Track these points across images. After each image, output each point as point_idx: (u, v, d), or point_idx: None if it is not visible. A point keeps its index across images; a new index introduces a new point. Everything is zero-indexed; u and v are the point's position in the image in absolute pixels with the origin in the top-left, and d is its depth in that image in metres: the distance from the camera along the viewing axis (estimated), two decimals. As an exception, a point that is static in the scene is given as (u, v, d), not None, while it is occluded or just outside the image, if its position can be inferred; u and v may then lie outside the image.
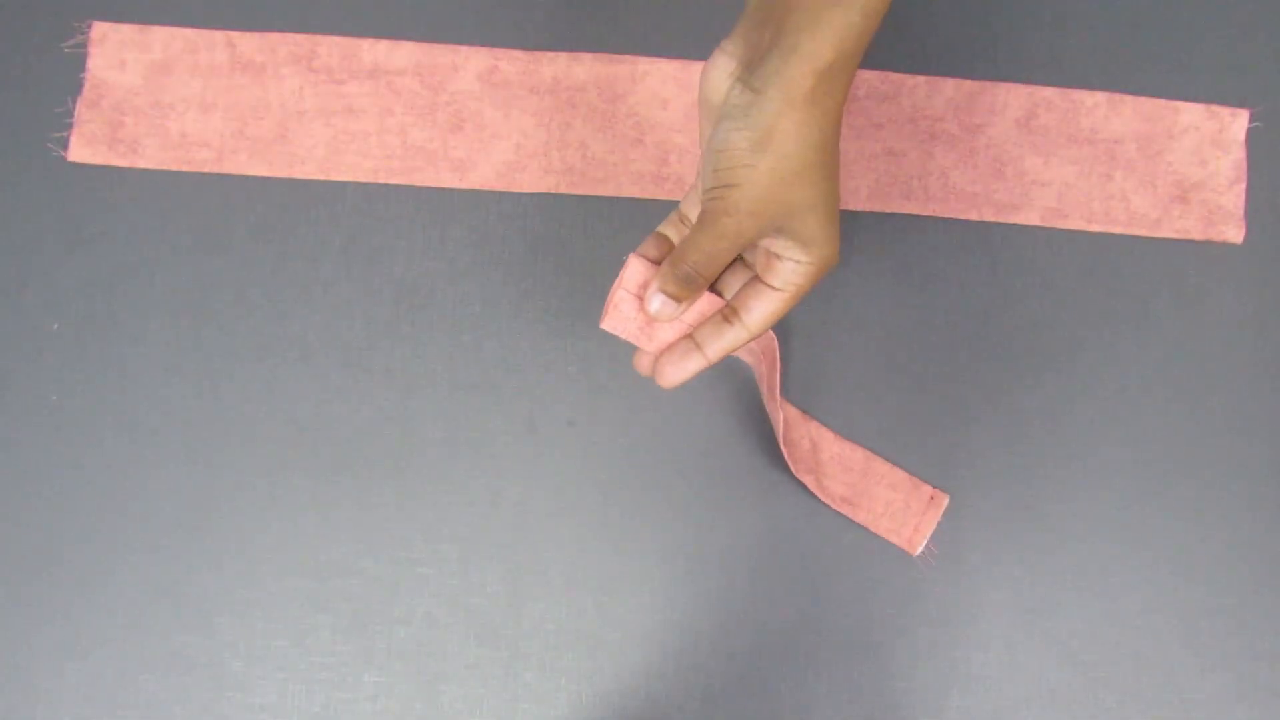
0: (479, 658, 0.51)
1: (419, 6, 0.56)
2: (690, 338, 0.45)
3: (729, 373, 0.53)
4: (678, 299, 0.44)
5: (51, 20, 0.55)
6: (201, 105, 0.54)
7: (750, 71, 0.40)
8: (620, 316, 0.45)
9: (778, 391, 0.49)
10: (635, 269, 0.45)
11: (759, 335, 0.44)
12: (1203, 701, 0.52)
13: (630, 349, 0.46)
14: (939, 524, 0.53)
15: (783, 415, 0.50)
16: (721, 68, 0.41)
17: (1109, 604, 0.53)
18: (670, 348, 0.45)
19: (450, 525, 0.52)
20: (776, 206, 0.40)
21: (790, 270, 0.42)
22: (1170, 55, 0.56)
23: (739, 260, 0.46)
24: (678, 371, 0.45)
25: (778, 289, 0.43)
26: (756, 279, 0.44)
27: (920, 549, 0.52)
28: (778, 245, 0.42)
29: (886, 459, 0.53)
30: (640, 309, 0.45)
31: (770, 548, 0.52)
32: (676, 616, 0.52)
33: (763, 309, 0.43)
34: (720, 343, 0.44)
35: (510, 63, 0.55)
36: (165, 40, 0.55)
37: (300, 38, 0.55)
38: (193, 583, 0.51)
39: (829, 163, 0.41)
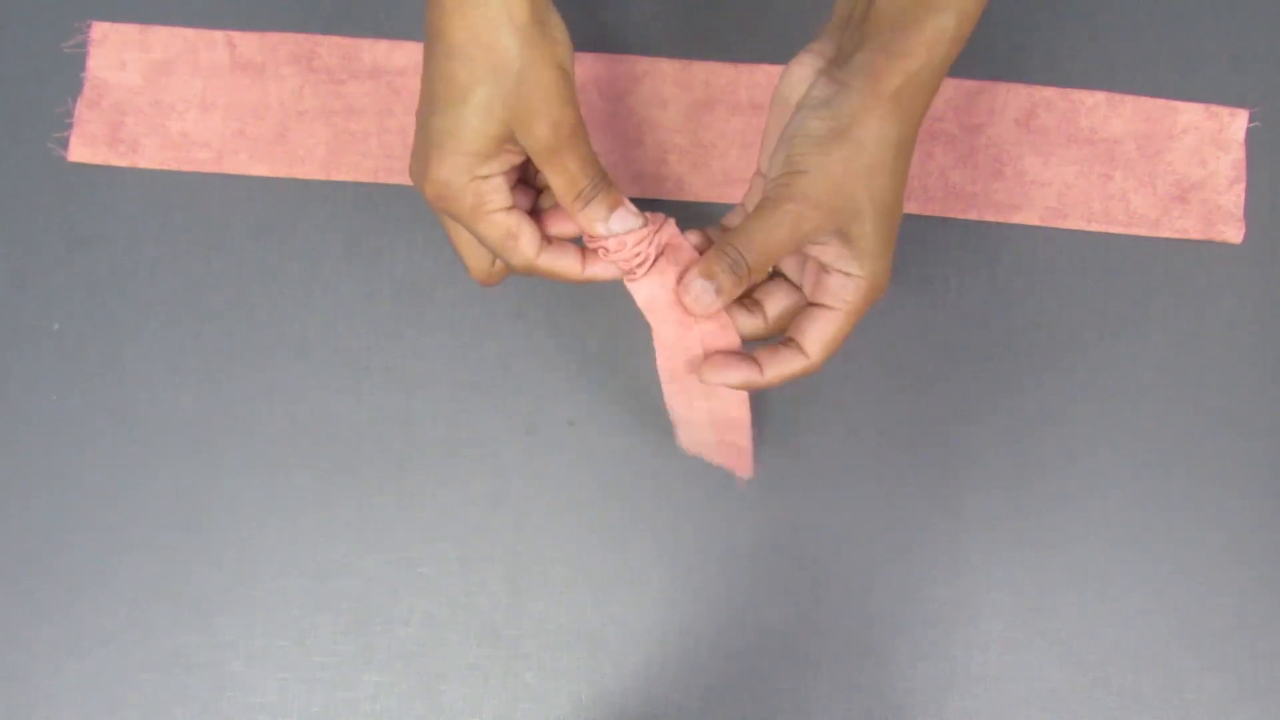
0: (479, 658, 0.51)
1: (419, 6, 0.55)
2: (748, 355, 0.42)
3: (729, 373, 0.53)
4: (719, 290, 0.41)
5: (51, 20, 0.55)
6: (202, 105, 0.54)
7: (836, 67, 0.40)
8: (648, 287, 0.42)
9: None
10: (670, 232, 0.42)
11: (818, 363, 0.42)
12: (1203, 701, 0.52)
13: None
14: (939, 524, 0.53)
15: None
16: (807, 64, 0.41)
17: (1109, 604, 0.53)
18: (725, 354, 0.43)
19: (450, 525, 0.52)
20: (842, 201, 0.39)
21: (841, 285, 0.41)
22: (1170, 55, 0.56)
23: (784, 281, 0.44)
24: (722, 372, 0.42)
25: (832, 308, 0.41)
26: (809, 304, 0.42)
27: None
28: (830, 254, 0.40)
29: (886, 458, 0.53)
30: (673, 295, 0.42)
31: (770, 548, 0.52)
32: (676, 616, 0.52)
33: (820, 332, 0.41)
34: (778, 368, 0.42)
35: (510, 63, 0.55)
36: (165, 40, 0.55)
37: (300, 38, 0.55)
38: (193, 583, 0.51)
39: (900, 170, 0.40)
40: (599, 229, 0.41)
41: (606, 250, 0.42)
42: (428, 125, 0.39)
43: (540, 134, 0.39)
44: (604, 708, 0.51)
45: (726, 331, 0.43)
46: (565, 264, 0.42)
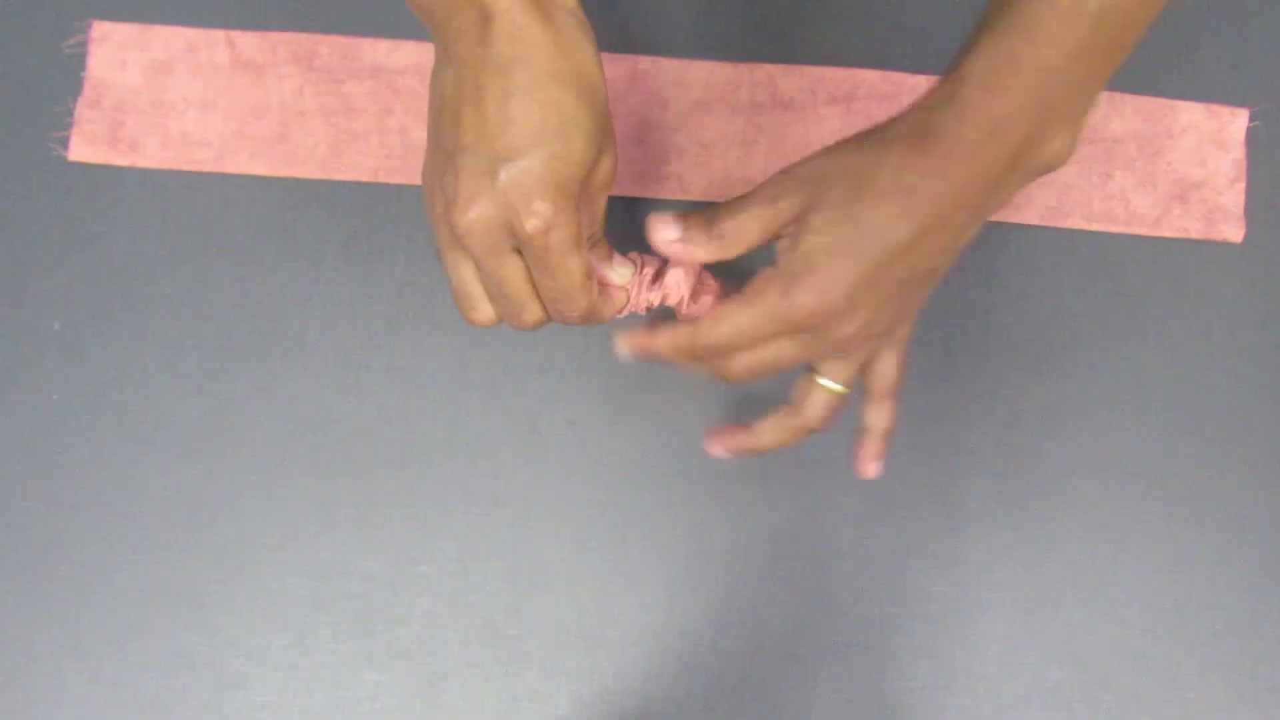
0: (479, 657, 0.51)
1: (419, 6, 0.56)
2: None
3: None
4: (684, 233, 0.40)
5: (51, 20, 0.55)
6: (202, 105, 0.54)
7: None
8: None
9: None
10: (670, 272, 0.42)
11: (704, 337, 0.40)
12: (1203, 701, 0.52)
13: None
14: (939, 524, 0.53)
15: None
16: None
17: (1109, 604, 0.53)
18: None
19: (450, 525, 0.52)
20: (815, 179, 0.38)
21: (761, 274, 0.39)
22: (1170, 55, 0.56)
23: None
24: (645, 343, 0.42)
25: (742, 289, 0.39)
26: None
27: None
28: (782, 244, 0.39)
29: (887, 458, 0.53)
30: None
31: (770, 548, 0.52)
32: (676, 616, 0.52)
33: (710, 303, 0.42)
34: (670, 337, 0.41)
35: (510, 62, 0.55)
36: (166, 40, 0.55)
37: (300, 37, 0.55)
38: (193, 583, 0.51)
39: (898, 199, 0.36)
40: (605, 270, 0.42)
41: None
42: (507, 158, 0.36)
43: (606, 167, 0.38)
44: (604, 708, 0.51)
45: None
46: (609, 308, 0.43)
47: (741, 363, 0.41)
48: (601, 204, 0.40)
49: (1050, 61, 0.35)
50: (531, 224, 0.36)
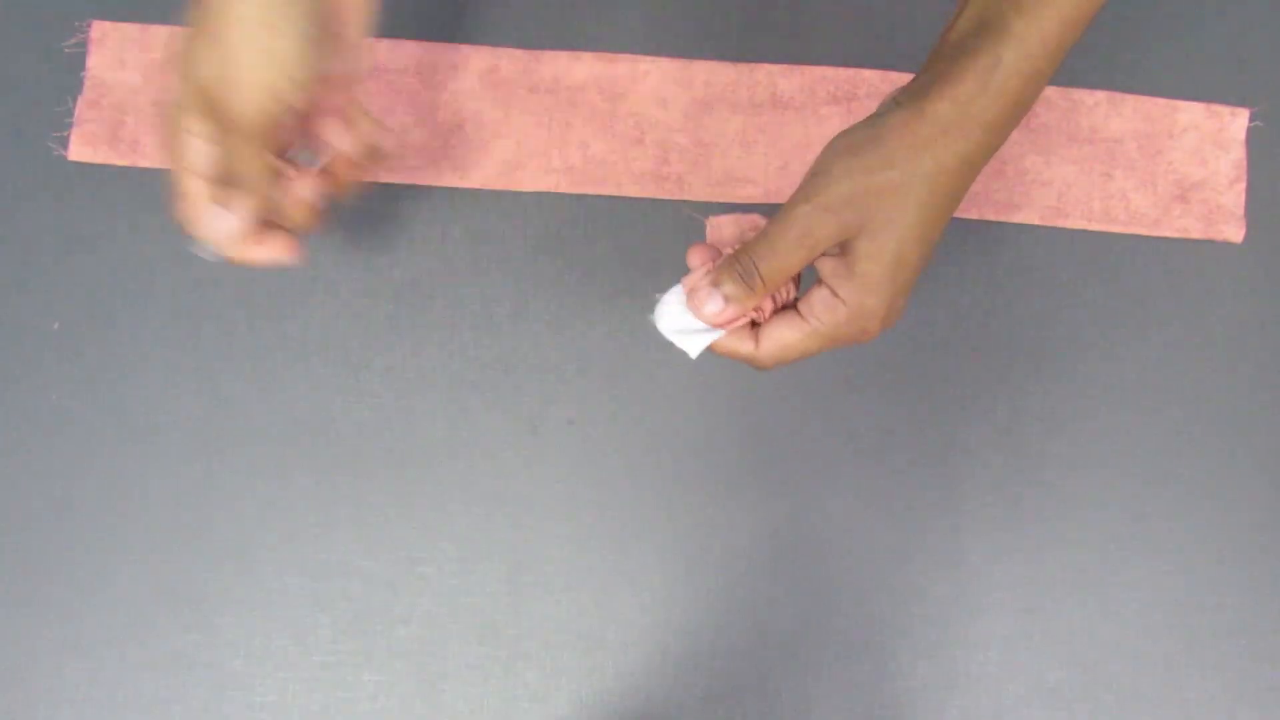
0: (479, 657, 0.51)
1: (419, 6, 0.56)
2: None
3: (730, 373, 0.53)
4: (728, 297, 0.39)
5: (51, 20, 0.55)
6: (201, 105, 0.54)
7: (900, 92, 0.39)
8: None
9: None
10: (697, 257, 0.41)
11: (766, 364, 0.41)
12: (1203, 701, 0.52)
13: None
14: (939, 524, 0.53)
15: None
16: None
17: (1109, 604, 0.53)
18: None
19: (450, 525, 0.52)
20: (855, 211, 0.37)
21: (822, 302, 0.39)
22: (1170, 55, 0.56)
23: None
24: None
25: (805, 320, 0.40)
26: (790, 304, 0.41)
27: None
28: (827, 268, 0.39)
29: (887, 458, 0.53)
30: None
31: (770, 548, 0.52)
32: (676, 616, 0.52)
33: (780, 335, 0.40)
34: (730, 341, 0.41)
35: (510, 62, 0.55)
36: (165, 39, 0.55)
37: (300, 37, 0.55)
38: (193, 583, 0.51)
39: (930, 204, 0.38)
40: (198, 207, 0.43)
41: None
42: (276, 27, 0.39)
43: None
44: (604, 708, 0.51)
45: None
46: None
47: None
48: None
49: (1064, 35, 0.37)
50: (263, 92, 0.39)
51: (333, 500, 0.52)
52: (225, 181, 0.42)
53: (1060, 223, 0.55)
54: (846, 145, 0.38)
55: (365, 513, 0.52)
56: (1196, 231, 0.55)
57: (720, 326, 0.41)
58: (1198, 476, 0.54)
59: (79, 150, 0.54)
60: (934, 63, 0.38)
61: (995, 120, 0.37)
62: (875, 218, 0.37)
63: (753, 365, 0.41)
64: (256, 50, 0.39)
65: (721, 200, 0.54)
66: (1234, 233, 0.55)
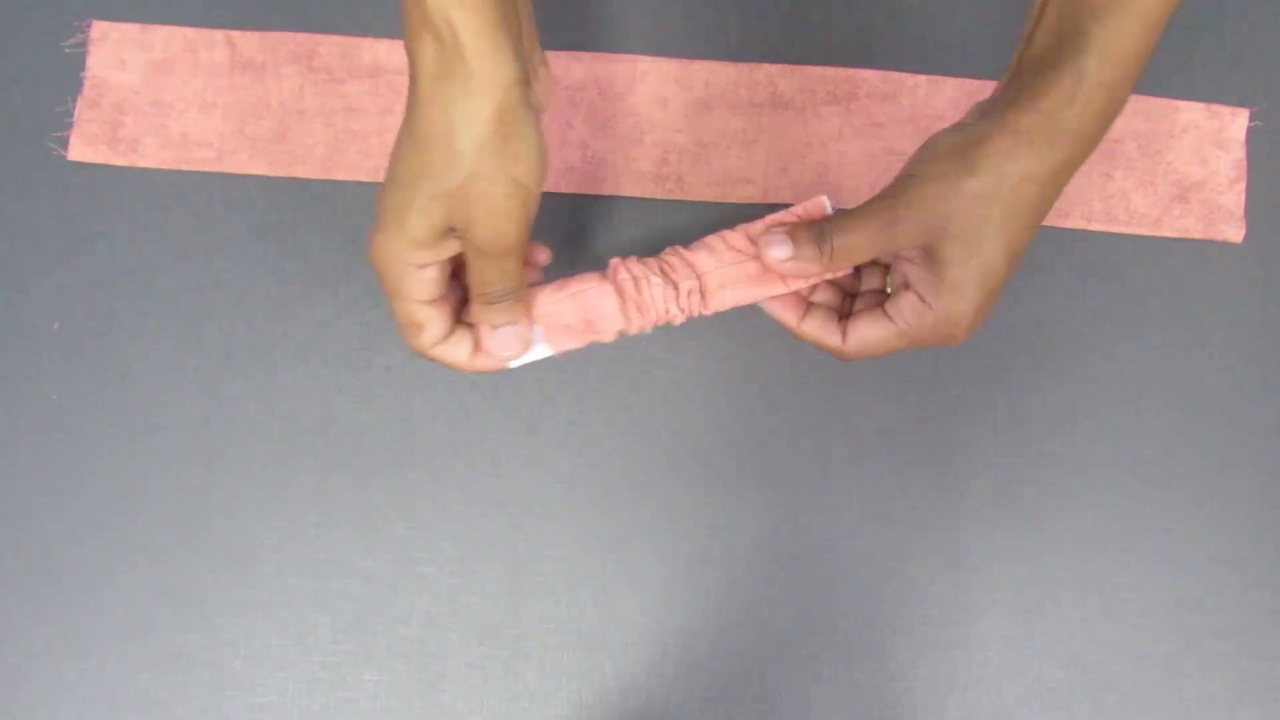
0: (479, 657, 0.51)
1: (419, 6, 0.56)
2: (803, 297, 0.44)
3: (730, 373, 0.53)
4: (795, 253, 0.41)
5: (51, 20, 0.55)
6: (201, 104, 0.54)
7: (987, 103, 0.40)
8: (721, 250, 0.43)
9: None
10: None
11: (852, 356, 0.43)
12: (1203, 701, 0.52)
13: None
14: (939, 524, 0.53)
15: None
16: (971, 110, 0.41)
17: (1109, 604, 0.53)
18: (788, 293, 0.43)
19: (450, 525, 0.52)
20: (939, 216, 0.38)
21: (910, 306, 0.41)
22: (1170, 55, 0.56)
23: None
24: (773, 304, 0.43)
25: (891, 319, 0.41)
26: (883, 303, 0.42)
27: None
28: (915, 273, 0.40)
29: (887, 458, 0.53)
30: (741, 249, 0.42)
31: (770, 548, 0.52)
32: (676, 616, 0.52)
33: (867, 331, 0.42)
34: (815, 329, 0.43)
35: (510, 62, 0.55)
36: (165, 39, 0.55)
37: (300, 37, 0.55)
38: (193, 583, 0.51)
39: (1016, 213, 0.38)
40: (484, 332, 0.42)
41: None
42: (381, 197, 0.40)
43: (475, 239, 0.39)
44: (604, 708, 0.51)
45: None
46: (456, 356, 0.43)
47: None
48: (489, 271, 0.41)
49: (1147, 39, 0.37)
50: (368, 255, 0.41)
51: (333, 500, 0.52)
52: (485, 298, 0.41)
53: (1060, 223, 0.55)
54: (935, 151, 0.39)
55: (365, 513, 0.52)
56: (1196, 231, 0.55)
57: (774, 278, 0.42)
58: (1197, 476, 0.54)
59: (78, 150, 0.54)
60: (1017, 77, 0.39)
61: (1083, 130, 0.38)
62: (962, 225, 0.38)
63: (837, 357, 0.43)
64: (500, 163, 0.38)
65: (721, 200, 0.54)
66: (1234, 233, 0.55)
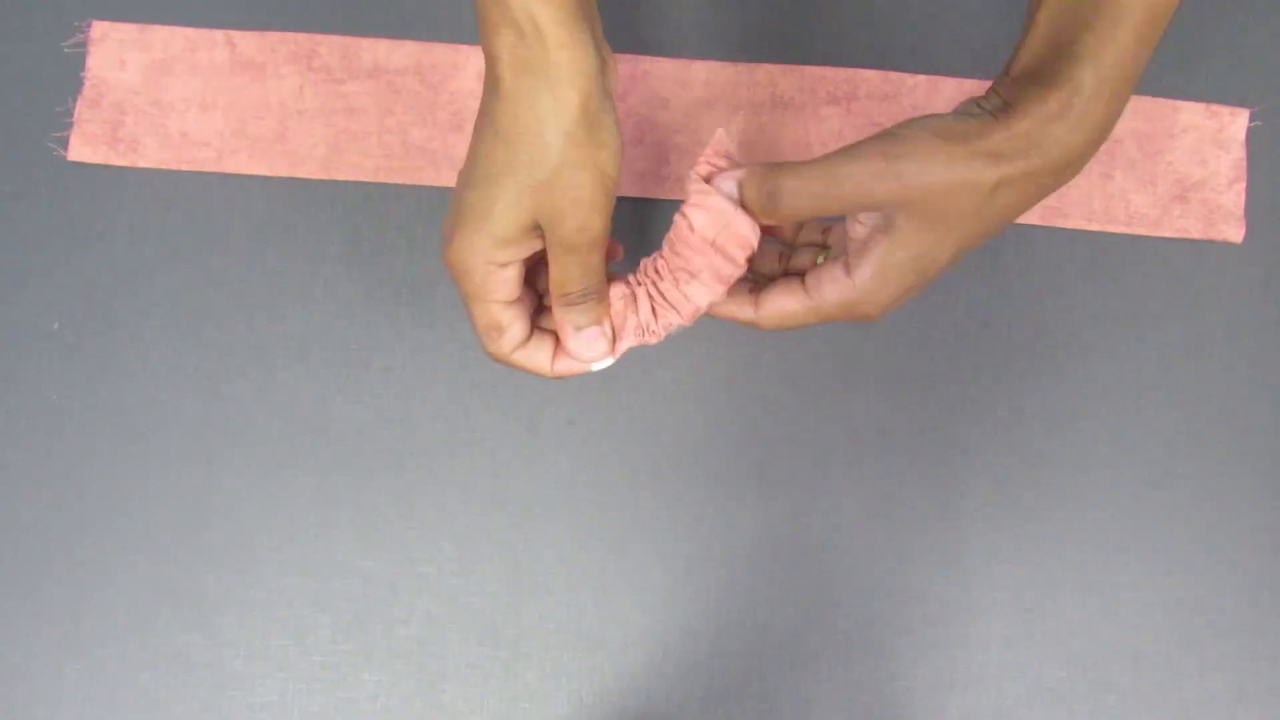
0: (479, 657, 0.51)
1: (419, 6, 0.56)
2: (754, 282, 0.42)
3: (730, 373, 0.53)
4: (742, 196, 0.39)
5: (51, 20, 0.55)
6: (201, 105, 0.54)
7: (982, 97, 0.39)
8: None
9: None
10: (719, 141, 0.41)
11: (763, 326, 0.42)
12: (1203, 701, 0.52)
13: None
14: (939, 524, 0.53)
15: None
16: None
17: (1109, 604, 0.53)
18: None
19: (450, 525, 0.52)
20: (899, 183, 0.36)
21: (829, 275, 0.39)
22: (1170, 55, 0.56)
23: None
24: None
25: (807, 290, 0.40)
26: (795, 271, 0.41)
27: None
28: (858, 236, 0.39)
29: (887, 458, 0.53)
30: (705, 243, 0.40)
31: (770, 548, 0.52)
32: (676, 616, 0.52)
33: (781, 303, 0.41)
34: (729, 304, 0.42)
35: (510, 62, 0.55)
36: (165, 39, 0.55)
37: (300, 37, 0.55)
38: (193, 583, 0.51)
39: (985, 216, 0.37)
40: (566, 335, 0.42)
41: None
42: (462, 196, 0.39)
43: (561, 232, 0.39)
44: (604, 708, 0.51)
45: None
46: (537, 360, 0.43)
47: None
48: (572, 267, 0.40)
49: (1140, 50, 0.36)
50: (446, 257, 0.40)
51: (333, 500, 0.52)
52: (567, 299, 0.41)
53: (1060, 223, 0.55)
54: (935, 128, 0.37)
55: (365, 513, 0.52)
56: (1196, 231, 0.55)
57: (715, 278, 0.41)
58: (1197, 476, 0.54)
59: (78, 150, 0.54)
60: (1014, 82, 0.38)
61: (1075, 144, 0.37)
62: (928, 206, 0.37)
63: (750, 326, 0.43)
64: (587, 153, 0.38)
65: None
66: (1234, 233, 0.55)
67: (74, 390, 0.52)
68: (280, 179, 0.54)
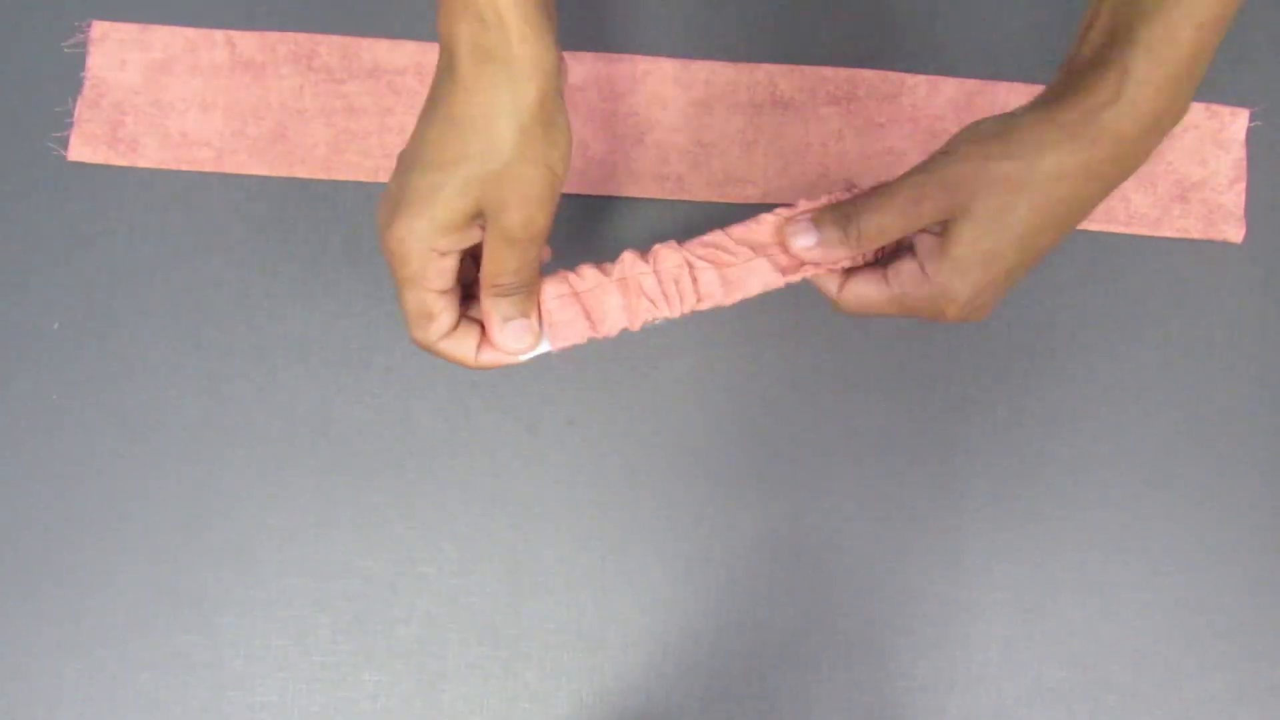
0: (479, 657, 0.51)
1: (419, 6, 0.56)
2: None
3: (730, 373, 0.53)
4: (822, 240, 0.40)
5: (51, 20, 0.55)
6: (201, 105, 0.54)
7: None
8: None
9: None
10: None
11: (843, 308, 0.42)
12: (1203, 701, 0.52)
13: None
14: (939, 524, 0.53)
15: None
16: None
17: (1109, 604, 0.53)
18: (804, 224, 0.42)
19: (450, 525, 0.52)
20: (964, 192, 0.38)
21: (909, 275, 0.40)
22: (1170, 55, 0.56)
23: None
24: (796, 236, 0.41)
25: (888, 282, 0.41)
26: (877, 264, 0.42)
27: None
28: (925, 243, 0.40)
29: (887, 458, 0.53)
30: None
31: (770, 548, 0.52)
32: (676, 616, 0.52)
33: (862, 289, 0.42)
34: (820, 280, 0.42)
35: (510, 62, 0.55)
36: (165, 39, 0.55)
37: (300, 37, 0.55)
38: (193, 583, 0.51)
39: (1043, 206, 0.38)
40: (494, 325, 0.42)
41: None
42: (406, 179, 0.39)
43: (505, 224, 0.39)
44: (604, 708, 0.51)
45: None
46: (463, 350, 0.42)
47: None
48: (509, 259, 0.40)
49: (1200, 41, 0.36)
50: (384, 240, 0.40)
51: (333, 500, 0.52)
52: (499, 289, 0.41)
53: (1060, 223, 0.55)
54: (974, 133, 0.39)
55: (365, 513, 0.52)
56: (1196, 231, 0.55)
57: (802, 266, 0.42)
58: (1198, 476, 0.54)
59: (78, 150, 0.54)
60: (1067, 75, 0.38)
61: (1129, 132, 0.37)
62: (984, 204, 0.38)
63: (832, 305, 0.43)
64: (539, 149, 0.38)
65: (721, 200, 0.54)
66: (1234, 233, 0.55)
67: (74, 390, 0.52)
68: (280, 179, 0.54)
